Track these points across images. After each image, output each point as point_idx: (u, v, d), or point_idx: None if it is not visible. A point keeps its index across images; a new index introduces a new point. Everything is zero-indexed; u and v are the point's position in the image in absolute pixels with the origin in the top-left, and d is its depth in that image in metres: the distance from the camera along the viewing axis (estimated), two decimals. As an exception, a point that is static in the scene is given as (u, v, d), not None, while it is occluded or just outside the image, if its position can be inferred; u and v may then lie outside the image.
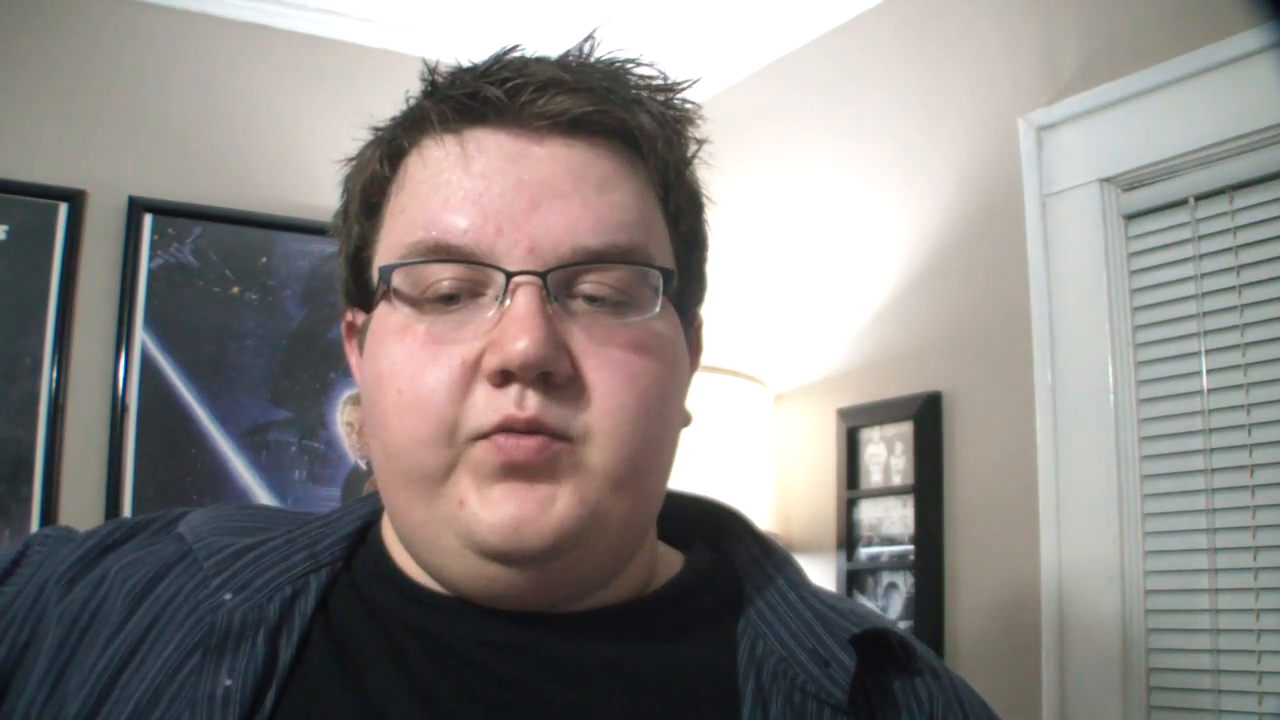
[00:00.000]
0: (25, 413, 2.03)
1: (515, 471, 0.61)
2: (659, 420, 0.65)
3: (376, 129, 0.71)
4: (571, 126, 0.64)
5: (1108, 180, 1.70)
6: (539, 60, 0.67)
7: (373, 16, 2.37)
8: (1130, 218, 1.68)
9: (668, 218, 0.68)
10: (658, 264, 0.65)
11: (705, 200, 0.73)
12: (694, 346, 0.74)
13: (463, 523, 0.62)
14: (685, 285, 0.70)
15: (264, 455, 2.19)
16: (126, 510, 2.08)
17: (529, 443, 0.61)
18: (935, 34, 2.03)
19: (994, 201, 1.88)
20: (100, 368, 2.10)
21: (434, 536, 0.63)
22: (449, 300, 0.63)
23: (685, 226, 0.70)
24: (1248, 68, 1.51)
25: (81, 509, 2.05)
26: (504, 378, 0.61)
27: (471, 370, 0.62)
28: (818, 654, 0.66)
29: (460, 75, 0.67)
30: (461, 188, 0.64)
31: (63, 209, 2.09)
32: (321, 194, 2.30)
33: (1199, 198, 1.59)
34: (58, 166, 2.11)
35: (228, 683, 0.62)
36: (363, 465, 2.27)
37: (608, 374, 0.63)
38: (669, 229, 0.68)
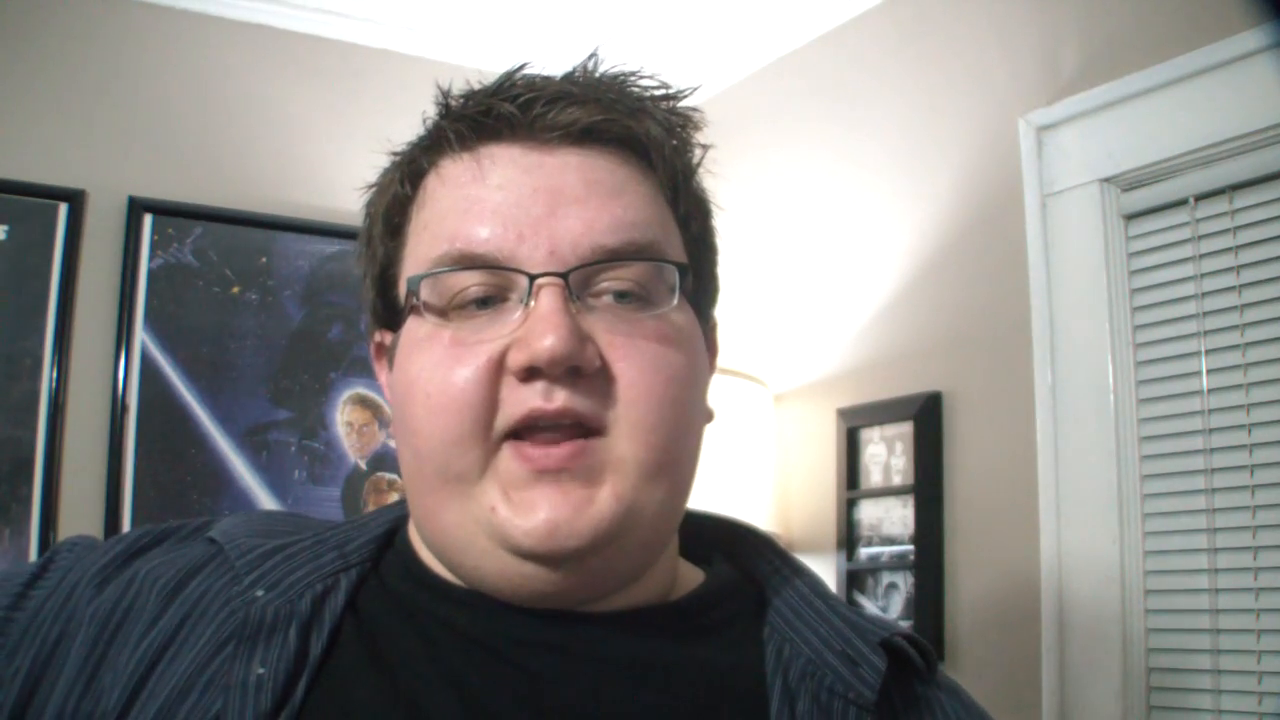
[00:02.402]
0: (25, 413, 2.03)
1: (546, 476, 0.63)
2: (685, 408, 0.67)
3: (395, 153, 0.73)
4: (582, 136, 0.67)
5: (1108, 180, 1.70)
6: (547, 76, 0.69)
7: (373, 16, 2.36)
8: (1130, 218, 1.68)
9: (678, 221, 0.71)
10: (672, 259, 0.68)
11: (712, 206, 0.75)
12: (711, 347, 0.76)
13: (496, 526, 0.63)
14: (699, 286, 0.72)
15: (264, 455, 2.19)
16: (127, 510, 2.07)
17: (559, 451, 0.63)
18: (935, 34, 2.03)
19: (994, 201, 1.88)
20: (100, 368, 2.10)
21: (467, 538, 0.65)
22: (480, 305, 0.66)
23: (695, 229, 0.72)
24: (1248, 68, 1.51)
25: (81, 509, 2.05)
26: (530, 374, 0.63)
27: (497, 367, 0.64)
28: (847, 656, 0.67)
29: (473, 95, 0.70)
30: (480, 199, 0.66)
31: (63, 209, 2.09)
32: (321, 194, 2.31)
33: (1199, 198, 1.59)
34: (58, 166, 2.11)
35: (260, 671, 0.63)
36: (363, 465, 2.27)
37: (632, 363, 0.65)
38: (680, 231, 0.71)
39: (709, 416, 0.73)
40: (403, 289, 0.69)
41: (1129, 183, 1.68)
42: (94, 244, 2.12)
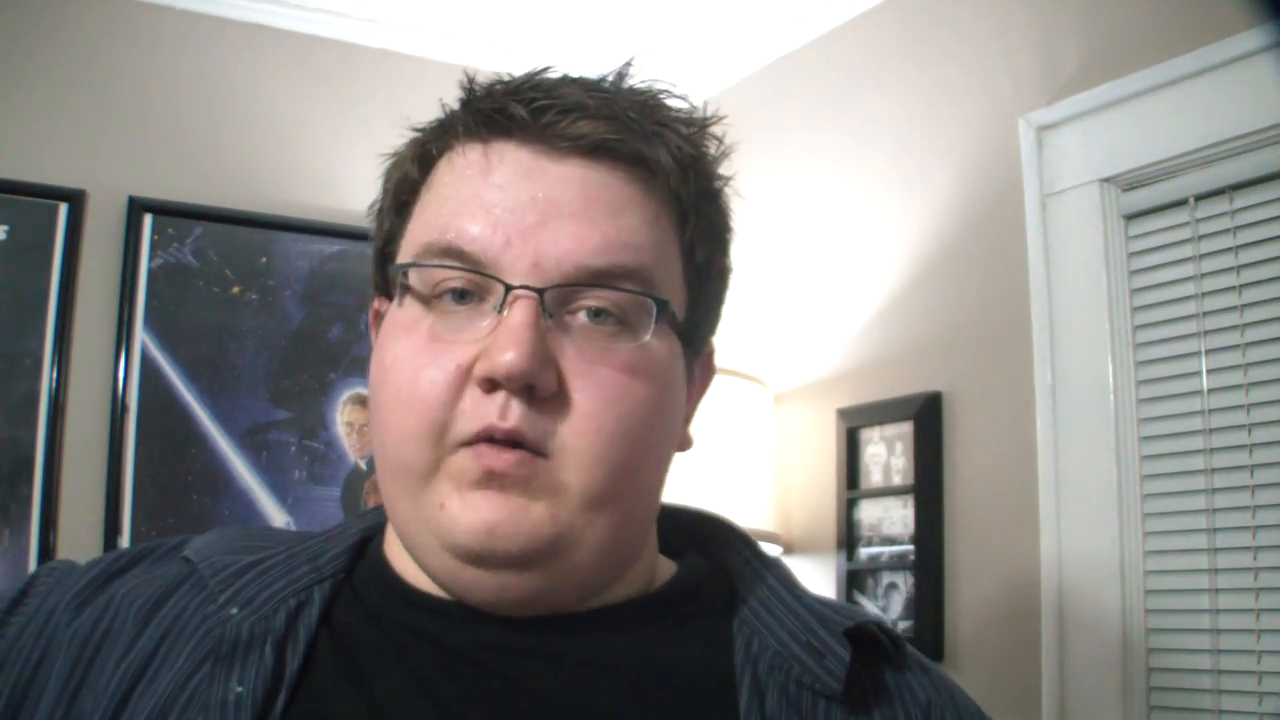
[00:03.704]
0: (25, 413, 2.03)
1: (494, 479, 0.63)
2: (641, 443, 0.66)
3: (415, 129, 0.73)
4: (591, 150, 0.67)
5: (1108, 180, 1.70)
6: (570, 82, 0.69)
7: (374, 17, 2.36)
8: (1130, 218, 1.68)
9: (681, 248, 0.70)
10: (656, 293, 0.67)
11: (730, 234, 0.75)
12: (704, 372, 0.76)
13: (442, 525, 0.64)
14: (697, 315, 0.72)
15: (264, 455, 2.19)
16: (127, 511, 2.07)
17: (509, 455, 0.63)
18: (935, 34, 2.03)
19: (994, 201, 1.88)
20: (100, 368, 2.10)
21: (416, 533, 0.66)
22: (459, 296, 0.66)
23: (701, 258, 0.72)
24: (1248, 68, 1.51)
25: (81, 509, 2.04)
26: (491, 385, 0.63)
27: (465, 374, 0.64)
28: (812, 647, 0.68)
29: (493, 89, 0.70)
30: (478, 196, 0.66)
31: (63, 209, 2.09)
32: (321, 194, 2.31)
33: (1199, 198, 1.59)
34: (58, 166, 2.11)
35: (239, 689, 0.63)
36: (363, 465, 2.27)
37: (591, 394, 0.64)
38: (681, 259, 0.70)
39: (685, 444, 0.73)
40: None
41: (1129, 183, 1.68)
42: (94, 244, 2.12)
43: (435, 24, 2.39)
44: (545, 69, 0.70)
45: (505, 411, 0.63)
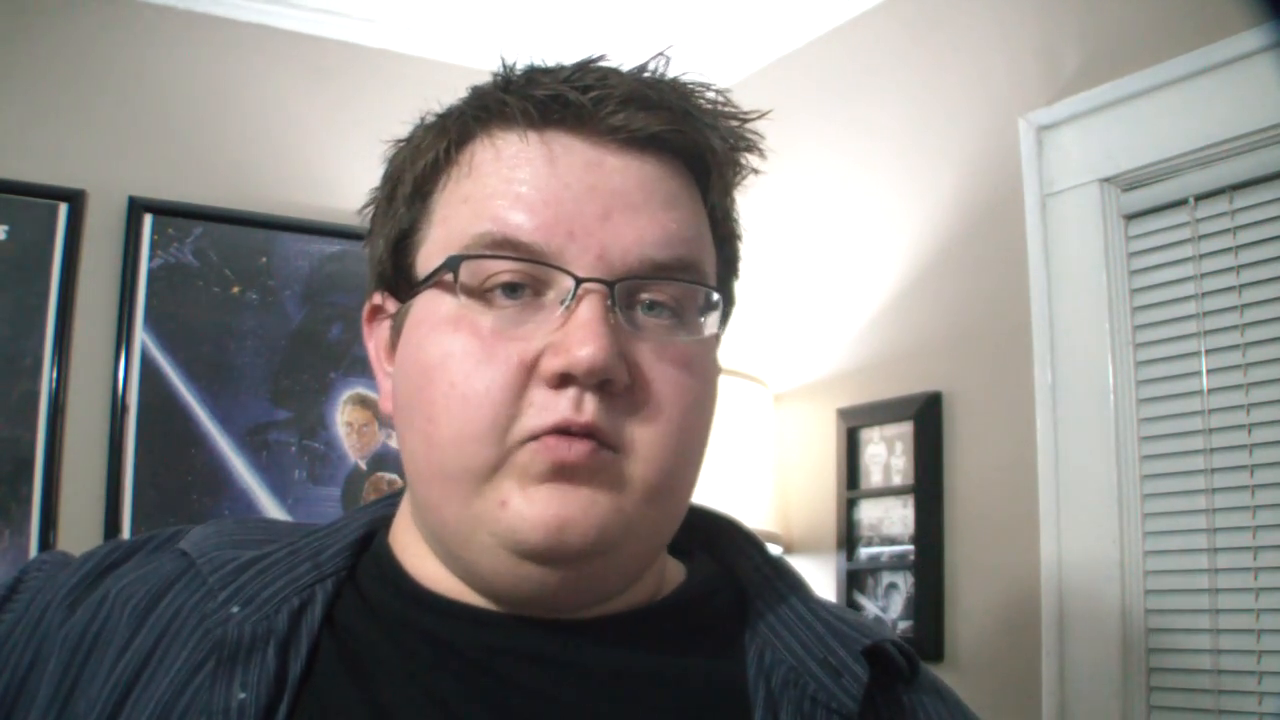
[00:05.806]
0: (25, 413, 2.03)
1: (561, 473, 0.62)
2: (698, 436, 0.67)
3: (436, 114, 0.71)
4: (646, 142, 0.66)
5: (1108, 180, 1.70)
6: (619, 72, 0.67)
7: (374, 16, 2.36)
8: (1130, 218, 1.68)
9: (716, 240, 0.71)
10: (712, 283, 0.68)
11: (741, 228, 0.75)
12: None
13: (504, 523, 0.62)
14: (725, 307, 0.72)
15: (264, 455, 2.19)
16: (127, 510, 2.07)
17: (581, 446, 0.62)
18: (935, 34, 2.03)
19: (994, 201, 1.88)
20: (100, 368, 2.10)
21: (467, 533, 0.64)
22: (510, 290, 0.64)
23: (727, 251, 0.72)
24: (1248, 68, 1.51)
25: (81, 509, 2.04)
26: (563, 380, 0.62)
27: (528, 370, 0.63)
28: (829, 664, 0.67)
29: (538, 75, 0.67)
30: (535, 187, 0.64)
31: (63, 209, 2.09)
32: (321, 194, 2.31)
33: (1199, 198, 1.59)
34: (58, 166, 2.11)
35: (242, 695, 0.62)
36: (363, 465, 2.27)
37: (660, 387, 0.64)
38: (716, 251, 0.71)
39: None
40: (421, 257, 0.67)
41: (1129, 183, 1.68)
42: (94, 244, 2.12)
43: (435, 24, 2.39)
44: (598, 57, 0.68)
45: (580, 406, 0.62)
